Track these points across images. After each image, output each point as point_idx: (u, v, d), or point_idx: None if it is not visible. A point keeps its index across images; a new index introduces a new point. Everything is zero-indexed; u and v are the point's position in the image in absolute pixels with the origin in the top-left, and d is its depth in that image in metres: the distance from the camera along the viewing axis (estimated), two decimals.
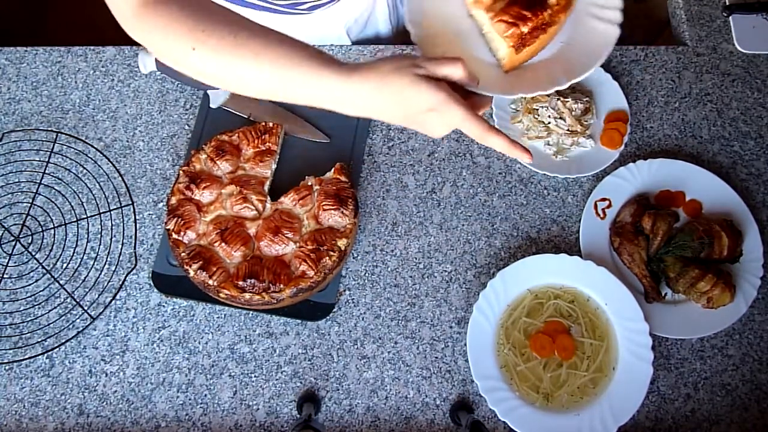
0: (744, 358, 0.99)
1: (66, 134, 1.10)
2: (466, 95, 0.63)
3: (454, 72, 0.60)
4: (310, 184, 1.01)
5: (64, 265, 1.02)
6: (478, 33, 0.71)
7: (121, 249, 1.03)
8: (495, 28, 0.67)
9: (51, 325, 0.98)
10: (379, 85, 0.60)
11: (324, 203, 0.97)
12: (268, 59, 0.61)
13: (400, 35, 1.25)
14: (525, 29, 0.66)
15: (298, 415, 0.94)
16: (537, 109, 1.08)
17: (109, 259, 1.02)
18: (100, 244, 1.03)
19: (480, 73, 0.65)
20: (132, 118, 1.11)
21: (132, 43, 1.19)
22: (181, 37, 0.63)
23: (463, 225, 1.05)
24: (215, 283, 0.93)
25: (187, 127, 1.11)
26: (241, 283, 0.92)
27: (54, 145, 1.08)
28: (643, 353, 0.94)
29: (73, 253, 1.02)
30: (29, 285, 1.01)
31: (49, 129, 1.10)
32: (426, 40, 0.67)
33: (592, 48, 0.69)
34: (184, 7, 0.63)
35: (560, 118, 1.06)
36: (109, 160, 1.08)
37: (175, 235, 0.96)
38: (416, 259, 1.03)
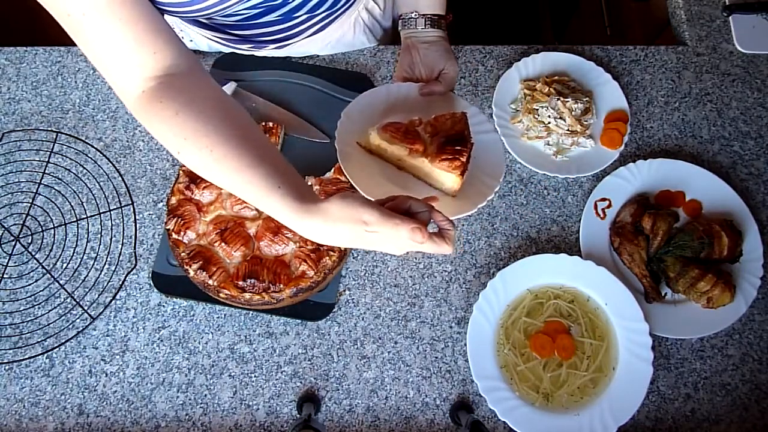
0: (744, 358, 0.99)
1: (66, 134, 1.10)
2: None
3: (413, 239, 0.67)
4: (310, 184, 1.01)
5: (64, 265, 1.02)
6: (412, 178, 0.89)
7: (121, 249, 1.03)
8: (439, 166, 0.84)
9: (51, 325, 0.98)
10: (329, 228, 0.67)
11: None
12: (241, 179, 0.68)
13: (386, 42, 1.25)
14: (464, 159, 0.84)
15: (298, 415, 0.94)
16: (537, 109, 1.08)
17: (109, 259, 1.02)
18: (100, 244, 1.03)
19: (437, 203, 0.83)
20: (132, 118, 1.11)
21: None
22: (168, 138, 0.70)
23: (463, 225, 1.05)
24: (215, 283, 0.93)
25: None
26: (241, 283, 0.92)
27: (54, 145, 1.08)
28: (643, 353, 0.94)
29: (73, 253, 1.02)
30: (29, 285, 1.01)
31: (49, 129, 1.10)
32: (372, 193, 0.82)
33: (491, 153, 0.92)
34: (177, 110, 0.68)
35: (560, 118, 1.06)
36: (109, 160, 1.08)
37: (175, 235, 0.96)
38: (416, 259, 1.03)
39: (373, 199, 0.76)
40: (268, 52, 1.11)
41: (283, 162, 0.71)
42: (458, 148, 0.84)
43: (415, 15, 0.95)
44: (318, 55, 1.15)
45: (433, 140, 0.86)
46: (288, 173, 0.70)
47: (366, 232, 0.66)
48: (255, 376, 0.97)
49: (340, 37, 1.13)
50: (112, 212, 1.05)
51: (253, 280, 0.92)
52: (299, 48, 1.11)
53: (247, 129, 0.72)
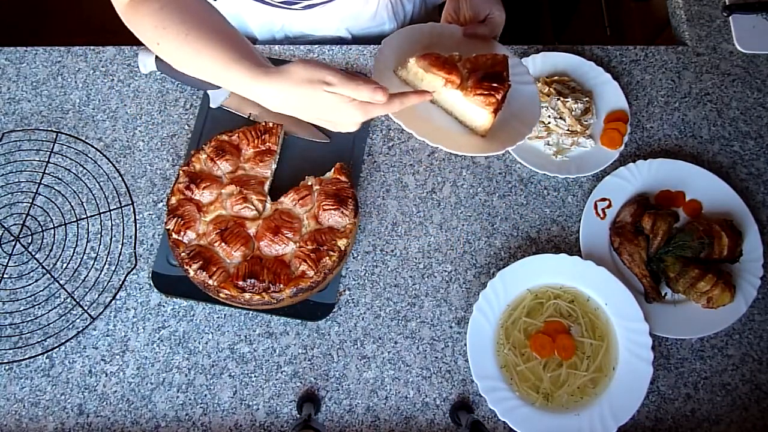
0: (744, 358, 0.99)
1: (66, 134, 1.10)
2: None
3: (373, 98, 0.71)
4: (310, 184, 1.01)
5: (64, 265, 1.02)
6: (444, 113, 0.88)
7: (121, 249, 1.03)
8: (473, 101, 0.84)
9: (51, 325, 0.98)
10: (289, 89, 0.71)
11: (324, 203, 0.97)
12: (207, 57, 0.75)
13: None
14: (499, 96, 0.83)
15: (298, 415, 0.94)
16: None
17: (109, 259, 1.02)
18: (100, 244, 1.03)
19: (459, 140, 0.85)
20: (132, 118, 1.11)
21: (132, 43, 1.19)
22: (150, 31, 0.78)
23: (463, 225, 1.05)
24: (215, 283, 0.93)
25: (187, 127, 1.11)
26: (241, 283, 0.92)
27: (54, 145, 1.08)
28: (643, 353, 0.94)
29: (73, 253, 1.02)
30: (29, 285, 1.01)
31: (49, 129, 1.10)
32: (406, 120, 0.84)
33: (527, 103, 0.91)
34: (161, 6, 0.77)
35: (560, 118, 1.06)
36: (109, 160, 1.08)
37: (175, 235, 0.96)
38: (416, 259, 1.03)
39: (398, 120, 0.81)
40: (297, 15, 1.13)
41: (246, 43, 0.78)
42: (495, 85, 0.83)
43: None
44: (309, 47, 1.15)
45: (470, 76, 0.85)
46: (250, 50, 0.77)
47: (324, 92, 0.69)
48: (255, 376, 0.97)
49: (363, 7, 1.14)
50: (112, 212, 1.05)
51: (253, 280, 0.92)
52: (325, 14, 1.12)
53: (216, 19, 0.80)
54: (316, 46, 1.17)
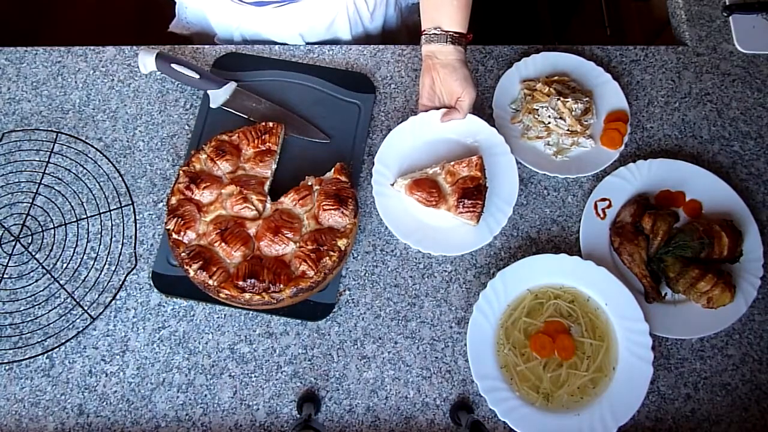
0: (744, 358, 0.99)
1: (66, 134, 1.10)
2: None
3: None
4: (310, 184, 1.01)
5: (64, 265, 1.02)
6: (440, 213, 1.02)
7: (121, 249, 1.03)
8: (461, 217, 1.00)
9: (51, 325, 0.98)
10: None
11: (324, 203, 0.97)
12: None
13: (361, 42, 1.27)
14: (479, 209, 0.99)
15: (298, 415, 0.94)
16: (537, 109, 1.08)
17: (109, 259, 1.02)
18: (100, 244, 1.03)
19: (458, 231, 1.02)
20: (132, 118, 1.11)
21: (132, 43, 1.19)
22: None
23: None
24: (215, 283, 0.93)
25: (187, 127, 1.11)
26: (241, 283, 0.92)
27: (54, 145, 1.08)
28: (643, 353, 0.94)
29: (73, 253, 1.02)
30: (29, 285, 1.01)
31: (49, 129, 1.10)
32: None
33: (505, 174, 1.05)
34: None
35: (560, 118, 1.06)
36: (109, 160, 1.08)
37: (175, 235, 0.96)
38: (416, 259, 1.03)
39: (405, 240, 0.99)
40: (253, 15, 1.15)
41: None
42: (474, 201, 0.98)
43: (438, 31, 1.00)
44: (310, 47, 1.16)
45: (453, 191, 1.00)
46: None
47: None
48: (255, 376, 0.97)
49: (318, 16, 1.16)
50: (112, 212, 1.05)
51: (253, 280, 0.92)
52: (279, 18, 1.15)
53: None
54: (317, 45, 1.17)
